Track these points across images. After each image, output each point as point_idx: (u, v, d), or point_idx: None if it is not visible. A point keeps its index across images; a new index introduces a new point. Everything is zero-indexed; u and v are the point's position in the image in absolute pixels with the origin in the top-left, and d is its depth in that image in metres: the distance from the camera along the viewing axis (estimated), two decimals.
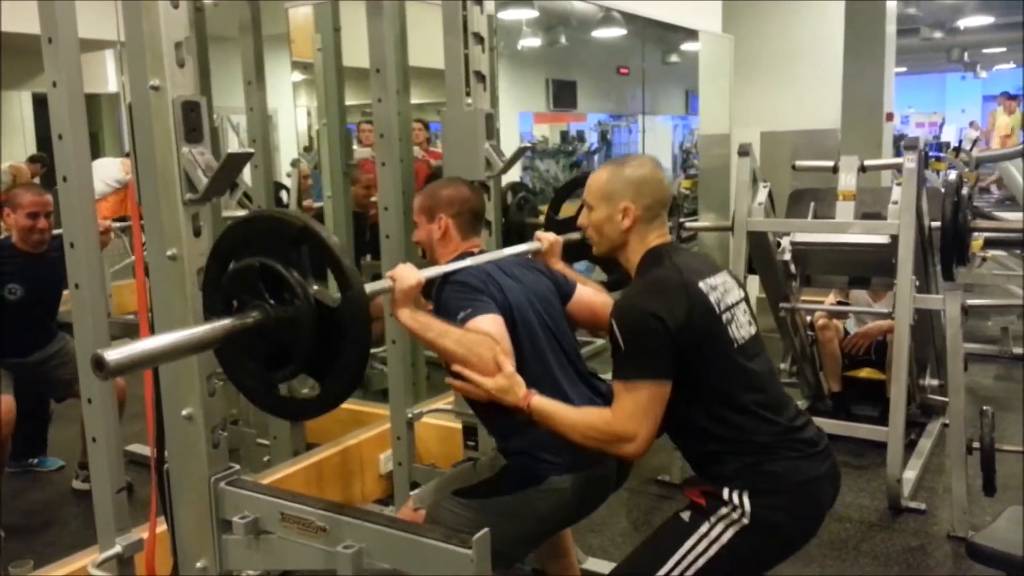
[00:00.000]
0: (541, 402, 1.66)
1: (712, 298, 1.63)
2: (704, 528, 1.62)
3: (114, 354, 1.21)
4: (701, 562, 1.60)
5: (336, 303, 1.37)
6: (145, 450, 1.76)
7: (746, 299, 1.76)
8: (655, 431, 1.58)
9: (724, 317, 1.64)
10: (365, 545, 1.49)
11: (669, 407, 1.58)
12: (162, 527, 1.78)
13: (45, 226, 3.08)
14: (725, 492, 1.61)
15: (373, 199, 3.32)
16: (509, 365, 1.68)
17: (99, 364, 1.20)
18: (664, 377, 1.56)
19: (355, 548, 1.48)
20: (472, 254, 2.01)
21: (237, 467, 1.71)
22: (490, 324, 1.77)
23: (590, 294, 2.09)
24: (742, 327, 1.68)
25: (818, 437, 1.70)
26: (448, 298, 1.84)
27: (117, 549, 1.78)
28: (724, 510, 1.61)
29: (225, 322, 1.40)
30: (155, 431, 1.71)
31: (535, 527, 1.93)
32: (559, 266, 2.12)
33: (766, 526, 1.60)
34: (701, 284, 1.64)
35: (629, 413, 1.56)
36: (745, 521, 1.59)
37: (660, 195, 1.72)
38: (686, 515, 1.66)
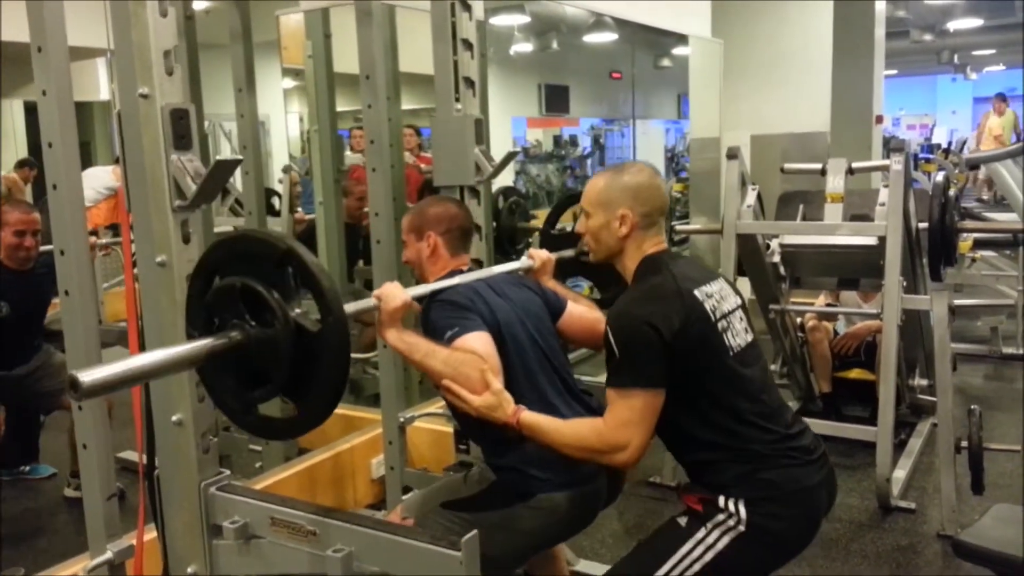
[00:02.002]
0: (530, 417, 1.67)
1: (708, 306, 1.63)
2: (701, 534, 1.62)
3: (88, 375, 1.18)
4: (697, 567, 1.61)
5: (316, 328, 1.36)
6: (136, 456, 1.76)
7: (743, 307, 1.76)
8: (648, 440, 1.58)
9: (720, 325, 1.64)
10: (354, 548, 1.49)
11: (665, 415, 1.58)
12: (152, 533, 1.79)
13: (32, 244, 3.07)
14: (721, 500, 1.61)
15: (367, 210, 3.34)
16: (497, 382, 1.68)
17: (74, 385, 1.17)
18: (658, 386, 1.56)
19: (345, 552, 1.49)
20: (461, 271, 2.00)
21: (227, 472, 1.71)
22: (477, 342, 1.77)
23: (581, 311, 2.09)
24: (738, 335, 1.68)
25: (814, 444, 1.71)
26: (436, 318, 1.84)
27: (108, 555, 1.79)
28: (721, 516, 1.61)
29: (205, 342, 1.39)
30: (145, 437, 1.72)
31: (523, 543, 1.92)
32: (551, 284, 2.11)
33: (762, 534, 1.60)
34: (697, 292, 1.64)
35: (623, 421, 1.56)
36: (742, 528, 1.60)
37: (658, 202, 1.72)
38: (683, 520, 1.66)
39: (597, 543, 2.97)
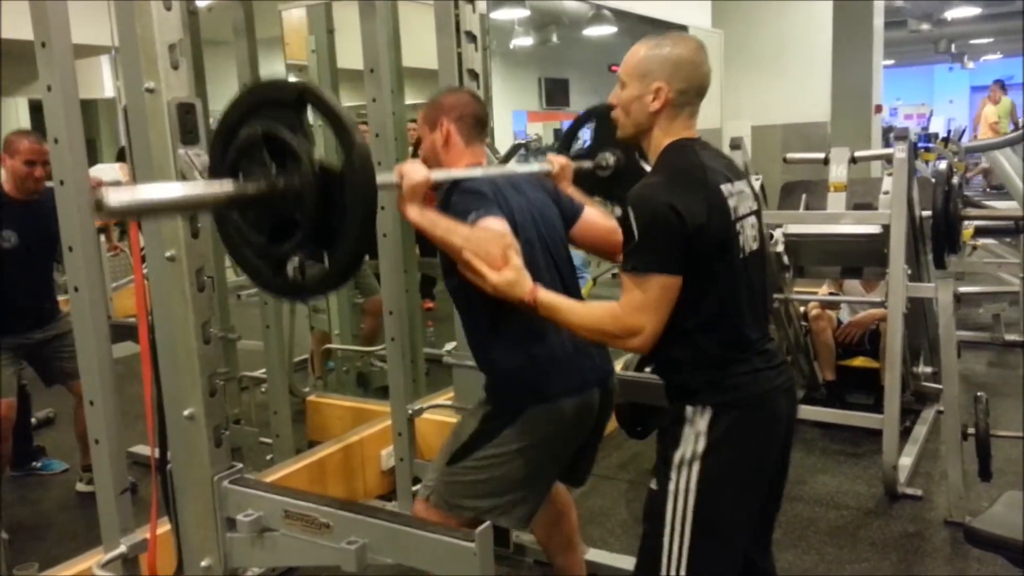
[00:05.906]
0: (547, 295, 1.64)
1: (731, 203, 1.61)
2: (672, 486, 1.61)
3: (115, 195, 1.18)
4: (690, 516, 1.60)
5: (340, 167, 1.33)
6: (148, 451, 1.77)
7: (758, 213, 1.73)
8: (662, 326, 1.54)
9: (736, 225, 1.62)
10: (369, 540, 1.50)
11: None
12: (165, 527, 1.79)
13: (41, 174, 3.04)
14: (688, 410, 1.61)
15: None
16: (517, 259, 1.65)
17: (99, 205, 1.16)
18: (676, 272, 1.53)
19: (359, 544, 1.50)
20: (480, 165, 1.99)
21: (240, 466, 1.72)
22: (498, 224, 1.76)
23: (596, 217, 2.07)
24: (747, 240, 1.65)
25: (775, 350, 1.71)
26: (457, 203, 1.82)
27: (122, 549, 1.79)
28: (678, 453, 1.60)
29: (227, 186, 1.36)
30: (157, 431, 1.72)
31: (534, 458, 1.93)
32: (569, 189, 2.09)
33: (723, 442, 1.59)
34: (723, 187, 1.59)
35: (638, 305, 1.53)
36: (700, 449, 1.59)
37: (697, 81, 1.62)
38: (653, 483, 1.66)
39: (607, 532, 2.98)
